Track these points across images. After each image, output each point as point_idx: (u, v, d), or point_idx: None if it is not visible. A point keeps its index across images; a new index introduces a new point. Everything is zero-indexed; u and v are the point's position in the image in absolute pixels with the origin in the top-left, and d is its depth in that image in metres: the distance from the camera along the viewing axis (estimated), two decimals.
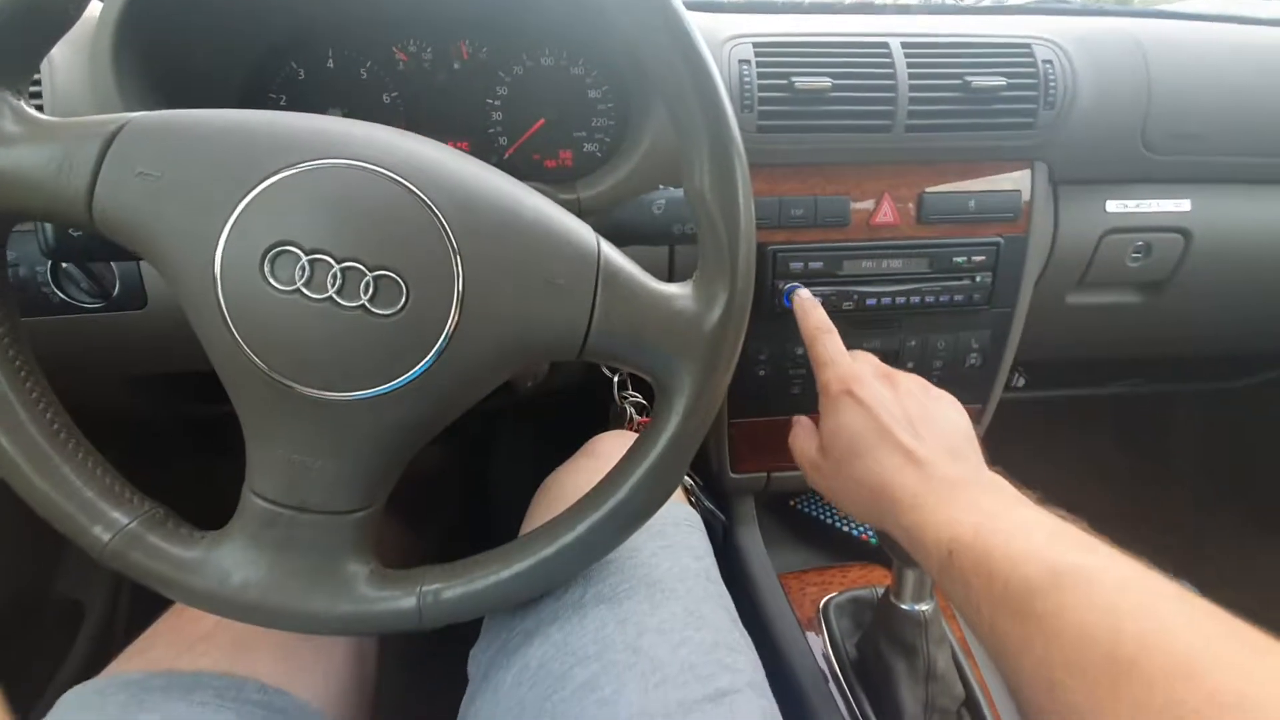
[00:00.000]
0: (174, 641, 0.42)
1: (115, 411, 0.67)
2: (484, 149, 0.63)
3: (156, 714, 0.37)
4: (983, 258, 0.63)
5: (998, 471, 0.42)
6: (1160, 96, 0.64)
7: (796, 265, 0.61)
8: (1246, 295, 0.76)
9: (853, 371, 0.47)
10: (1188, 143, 0.67)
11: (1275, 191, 0.71)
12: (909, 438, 0.43)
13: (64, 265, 0.53)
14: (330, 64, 0.60)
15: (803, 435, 0.52)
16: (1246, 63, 0.68)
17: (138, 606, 0.89)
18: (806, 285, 0.61)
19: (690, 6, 0.74)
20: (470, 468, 1.17)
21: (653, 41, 0.33)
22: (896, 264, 0.63)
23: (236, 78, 0.58)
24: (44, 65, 0.50)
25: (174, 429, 0.95)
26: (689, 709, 0.35)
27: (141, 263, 0.54)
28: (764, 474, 0.72)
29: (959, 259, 0.63)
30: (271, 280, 0.31)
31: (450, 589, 0.36)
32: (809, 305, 0.54)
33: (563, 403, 0.92)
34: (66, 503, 0.34)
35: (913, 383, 0.48)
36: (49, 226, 0.42)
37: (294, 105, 0.60)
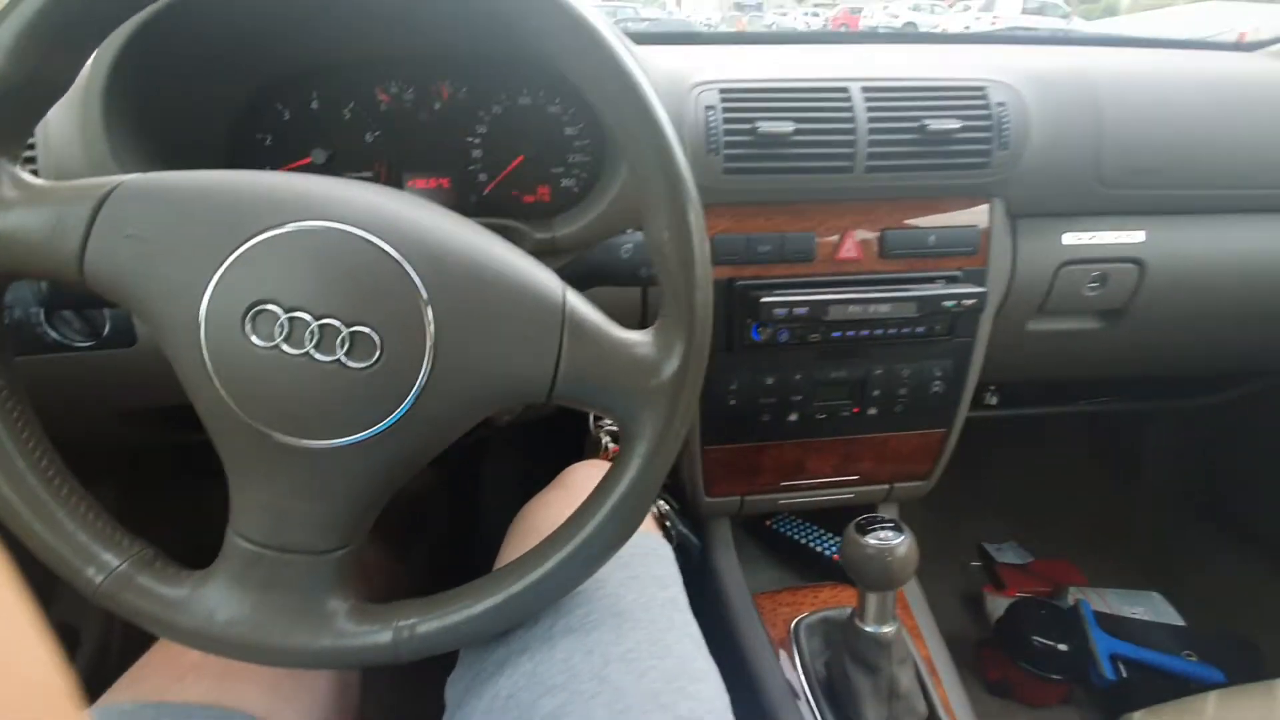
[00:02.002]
0: (165, 673, 0.44)
1: (108, 444, 0.68)
2: (464, 185, 0.65)
3: None
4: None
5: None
6: (1112, 133, 0.67)
7: (781, 312, 0.61)
8: (1202, 320, 0.78)
9: None
10: (1142, 177, 0.69)
11: (1225, 221, 0.73)
12: None
13: None
14: (314, 105, 0.62)
15: None
16: (1197, 94, 0.70)
17: (131, 632, 0.90)
18: (787, 323, 0.61)
19: (658, 39, 0.76)
20: (455, 493, 1.18)
21: (613, 106, 0.35)
22: (885, 309, 0.62)
23: (224, 121, 0.60)
24: None
25: (166, 457, 0.96)
26: None
27: None
28: (737, 497, 0.74)
29: (949, 304, 0.62)
30: (252, 337, 0.33)
31: (425, 623, 0.38)
32: None
33: (546, 429, 0.94)
34: (62, 547, 0.36)
35: None
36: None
37: (280, 145, 0.62)
